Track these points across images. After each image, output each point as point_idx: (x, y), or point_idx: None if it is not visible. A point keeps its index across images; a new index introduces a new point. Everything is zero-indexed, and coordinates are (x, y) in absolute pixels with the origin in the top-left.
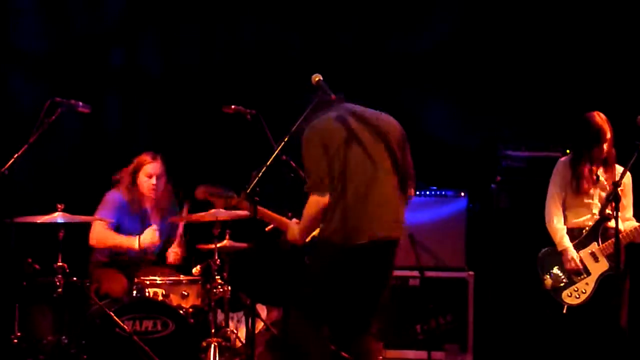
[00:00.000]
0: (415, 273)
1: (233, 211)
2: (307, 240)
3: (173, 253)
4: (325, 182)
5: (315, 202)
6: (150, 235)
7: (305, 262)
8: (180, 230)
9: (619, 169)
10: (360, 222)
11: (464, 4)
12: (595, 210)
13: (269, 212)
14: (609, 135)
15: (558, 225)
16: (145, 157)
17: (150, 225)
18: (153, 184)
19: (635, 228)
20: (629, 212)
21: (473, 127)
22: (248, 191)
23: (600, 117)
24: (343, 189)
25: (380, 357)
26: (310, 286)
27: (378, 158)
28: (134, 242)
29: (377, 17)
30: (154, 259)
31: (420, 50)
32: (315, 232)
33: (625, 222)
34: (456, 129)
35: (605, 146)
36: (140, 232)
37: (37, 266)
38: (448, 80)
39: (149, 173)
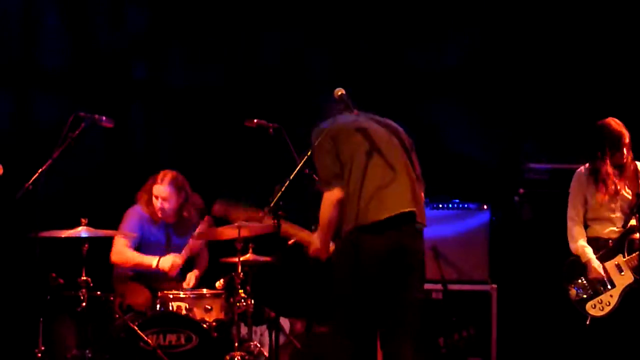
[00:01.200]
0: (439, 286)
1: (254, 225)
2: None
3: (193, 277)
4: (334, 174)
5: (328, 198)
6: (169, 263)
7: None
8: (204, 253)
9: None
10: (382, 202)
11: (485, 20)
12: (619, 223)
13: (291, 229)
14: (627, 140)
15: (578, 243)
16: (156, 177)
17: (175, 244)
18: (159, 207)
19: None
20: None
21: (495, 140)
22: (272, 205)
23: (616, 122)
24: (366, 178)
25: None
26: (339, 290)
27: (394, 154)
28: (152, 262)
29: (400, 31)
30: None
31: (442, 65)
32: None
33: None
34: (478, 142)
35: (624, 150)
36: (164, 247)
37: (61, 280)
38: (470, 93)
39: (156, 195)
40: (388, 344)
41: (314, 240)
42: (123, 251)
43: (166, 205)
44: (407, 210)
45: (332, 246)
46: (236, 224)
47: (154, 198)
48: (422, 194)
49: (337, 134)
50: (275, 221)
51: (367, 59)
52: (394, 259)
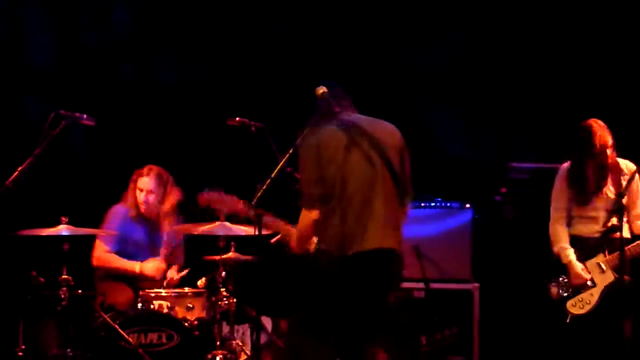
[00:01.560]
0: (421, 285)
1: (234, 226)
2: (311, 249)
3: (175, 273)
4: (314, 198)
5: (306, 217)
6: (154, 268)
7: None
8: (180, 248)
9: (622, 163)
10: (356, 231)
11: (472, 21)
12: (601, 222)
13: (274, 221)
14: (610, 141)
15: (560, 244)
16: (141, 171)
17: (156, 241)
18: (143, 199)
19: (638, 244)
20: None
21: (478, 140)
22: (253, 203)
23: (598, 124)
24: (340, 199)
25: None
26: (309, 296)
27: (376, 168)
28: (134, 267)
29: (389, 32)
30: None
31: (429, 65)
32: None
33: (638, 222)
34: (461, 141)
35: (607, 151)
36: (147, 245)
37: (42, 279)
38: (456, 93)
39: (140, 187)
40: (358, 350)
41: (292, 233)
42: (104, 257)
43: (150, 199)
44: (387, 247)
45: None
46: (218, 223)
47: (137, 191)
48: (407, 209)
49: (323, 151)
50: (256, 214)
51: (354, 55)
52: (366, 284)
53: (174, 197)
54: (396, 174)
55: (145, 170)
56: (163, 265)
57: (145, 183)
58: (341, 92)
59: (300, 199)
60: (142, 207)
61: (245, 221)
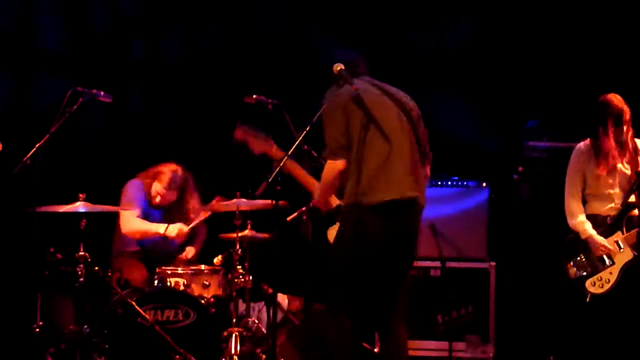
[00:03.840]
0: (437, 264)
1: (254, 202)
2: (333, 204)
3: (192, 251)
4: (340, 146)
5: (331, 167)
6: (176, 230)
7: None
8: (202, 230)
9: (638, 142)
10: (380, 184)
11: (484, 2)
12: (617, 200)
13: (300, 170)
14: (627, 116)
15: (578, 219)
16: (159, 174)
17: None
18: (157, 201)
19: None
20: None
21: (495, 119)
22: (269, 181)
23: (617, 98)
24: (364, 152)
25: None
26: (336, 261)
27: (398, 123)
28: (160, 228)
29: (402, 15)
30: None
31: (443, 48)
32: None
33: None
34: (478, 120)
35: (625, 127)
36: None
37: (59, 256)
38: (471, 73)
39: (158, 192)
40: (384, 324)
41: (316, 185)
42: (132, 220)
43: (164, 201)
44: (411, 195)
45: (333, 199)
46: (235, 201)
47: (155, 192)
48: (428, 170)
49: (348, 106)
50: (274, 184)
51: (367, 37)
52: (393, 242)
53: (193, 200)
54: (418, 135)
55: (161, 175)
56: (185, 229)
57: (158, 189)
58: (355, 57)
59: (324, 151)
60: (154, 200)
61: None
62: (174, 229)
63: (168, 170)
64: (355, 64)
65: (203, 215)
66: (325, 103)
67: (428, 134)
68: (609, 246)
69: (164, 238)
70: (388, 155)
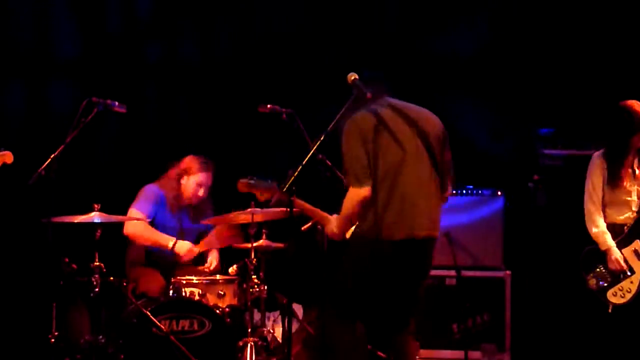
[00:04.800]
0: (452, 272)
1: (268, 210)
2: (347, 236)
3: (215, 260)
4: (366, 174)
5: (355, 194)
6: (186, 249)
7: (341, 261)
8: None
9: None
10: (396, 219)
11: (499, 8)
12: (635, 208)
13: (308, 206)
14: None
15: (599, 228)
16: (199, 164)
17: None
18: (200, 195)
19: None
20: None
21: (510, 127)
22: (284, 190)
23: (638, 104)
24: (380, 184)
25: (416, 357)
26: (345, 283)
27: (415, 151)
28: (169, 243)
29: (416, 20)
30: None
31: (457, 53)
32: (351, 230)
33: None
34: (494, 128)
35: None
36: (177, 230)
37: (74, 266)
38: (485, 81)
39: (200, 182)
40: (390, 337)
41: (332, 220)
42: (140, 225)
43: (205, 193)
44: (431, 235)
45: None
46: (249, 210)
47: (193, 184)
48: (447, 194)
49: (368, 136)
50: (290, 201)
51: (383, 42)
52: (406, 273)
53: (208, 203)
54: (437, 161)
55: (204, 164)
56: (196, 251)
57: (207, 179)
58: (377, 77)
59: (347, 179)
60: (194, 200)
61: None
62: (184, 248)
63: (195, 160)
64: (372, 82)
65: (213, 241)
66: (346, 124)
67: (448, 139)
68: (622, 264)
69: (171, 252)
70: (402, 187)
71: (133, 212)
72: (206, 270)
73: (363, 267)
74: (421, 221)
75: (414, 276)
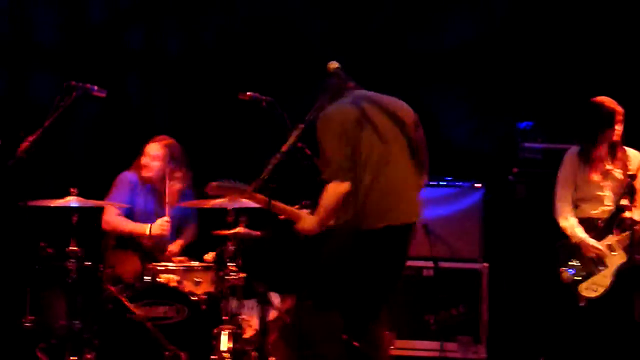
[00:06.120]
0: (430, 264)
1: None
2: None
3: (178, 246)
4: (345, 168)
5: (335, 189)
6: (159, 226)
7: (320, 251)
8: (192, 225)
9: (630, 151)
10: (377, 207)
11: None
12: (608, 202)
13: (280, 204)
14: (620, 117)
15: (568, 221)
16: (154, 139)
17: (164, 211)
18: (146, 163)
19: None
20: None
21: (490, 120)
22: (264, 177)
23: (609, 100)
24: (360, 174)
25: (391, 348)
26: (325, 273)
27: (394, 142)
28: (145, 230)
29: (400, 14)
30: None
31: (441, 47)
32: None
33: None
34: (474, 121)
35: (617, 127)
36: (153, 215)
37: (50, 250)
38: (467, 75)
39: (147, 152)
40: (363, 327)
41: (304, 218)
42: (114, 220)
43: (154, 165)
44: (409, 221)
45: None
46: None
47: (143, 156)
48: (424, 179)
49: (347, 127)
50: (266, 196)
51: (365, 36)
52: (388, 262)
53: (182, 177)
54: (413, 148)
55: (157, 138)
56: (166, 219)
57: (152, 148)
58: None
59: (326, 173)
60: (144, 171)
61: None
62: (157, 227)
63: (163, 136)
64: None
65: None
66: (322, 117)
67: (420, 123)
68: (600, 247)
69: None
70: (382, 176)
71: (107, 206)
72: (169, 254)
73: (344, 258)
74: (402, 209)
75: (394, 264)
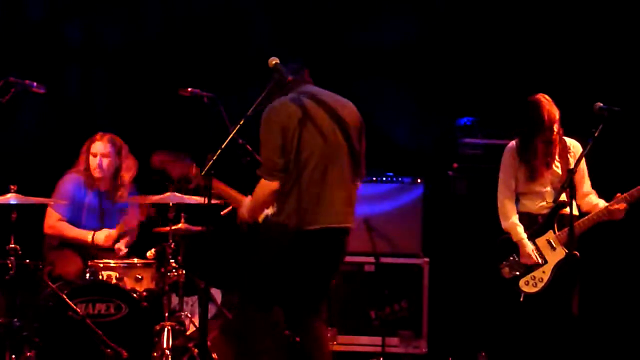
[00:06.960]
0: (371, 259)
1: (188, 196)
2: (259, 219)
3: (123, 244)
4: (277, 168)
5: (266, 186)
6: (104, 237)
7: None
8: (134, 222)
9: (570, 142)
10: (314, 208)
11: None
12: (549, 198)
13: (224, 187)
14: (557, 116)
15: (511, 220)
16: (94, 137)
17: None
18: (97, 164)
19: (605, 208)
20: (587, 186)
21: (431, 116)
22: (203, 174)
23: (545, 99)
24: (299, 172)
25: (333, 343)
26: (260, 270)
27: (334, 142)
28: (87, 236)
29: (340, 9)
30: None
31: (383, 44)
32: (264, 214)
33: (586, 199)
34: (414, 117)
35: (554, 127)
36: (98, 213)
37: None
38: (406, 72)
39: (94, 152)
40: (302, 323)
41: (244, 203)
42: (56, 225)
43: (105, 163)
44: (344, 225)
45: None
46: (168, 194)
47: (91, 157)
48: (357, 185)
49: (287, 125)
50: (206, 181)
51: (306, 31)
52: (320, 260)
53: (130, 166)
54: (354, 150)
55: (98, 135)
56: (114, 234)
57: (99, 147)
58: (297, 63)
59: (260, 169)
60: (96, 172)
61: (195, 191)
62: (102, 236)
63: (102, 133)
64: (293, 67)
65: (129, 223)
66: (264, 113)
67: (365, 129)
68: (534, 258)
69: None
70: (320, 175)
71: (50, 210)
72: (117, 252)
73: (278, 255)
74: (338, 211)
75: (328, 265)
